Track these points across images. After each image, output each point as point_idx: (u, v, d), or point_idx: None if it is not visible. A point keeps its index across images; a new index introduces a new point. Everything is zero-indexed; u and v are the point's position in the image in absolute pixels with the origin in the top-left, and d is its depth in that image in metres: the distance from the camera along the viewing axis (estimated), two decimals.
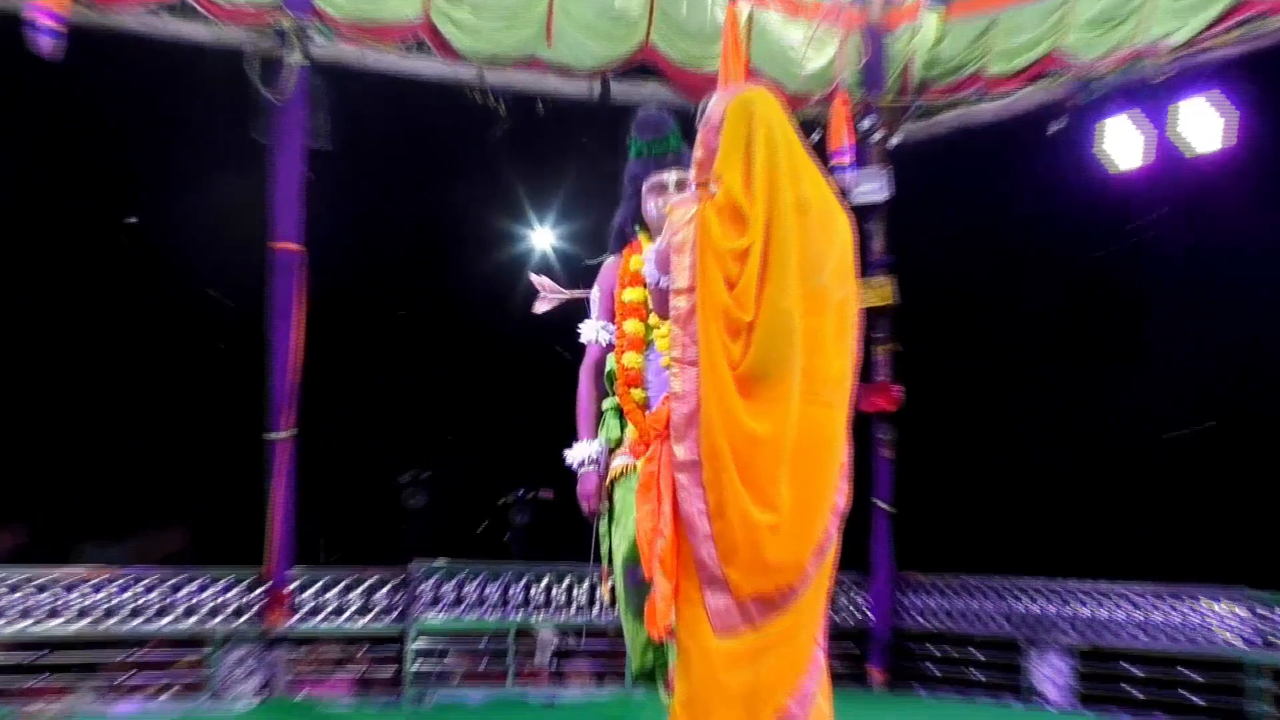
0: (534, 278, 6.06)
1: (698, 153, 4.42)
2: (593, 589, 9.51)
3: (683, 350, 4.23)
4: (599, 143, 10.03)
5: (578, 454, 5.15)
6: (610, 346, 5.24)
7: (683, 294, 4.24)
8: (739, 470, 4.17)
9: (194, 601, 8.71)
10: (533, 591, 9.55)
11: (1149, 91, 8.76)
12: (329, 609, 9.07)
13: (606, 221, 5.45)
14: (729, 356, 4.19)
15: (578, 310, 5.51)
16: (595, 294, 5.36)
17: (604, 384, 5.26)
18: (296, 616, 8.95)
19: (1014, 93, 9.52)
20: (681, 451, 4.21)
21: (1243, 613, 8.46)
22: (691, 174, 4.48)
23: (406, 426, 11.43)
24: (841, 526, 4.37)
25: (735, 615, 4.19)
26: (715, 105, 4.42)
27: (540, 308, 6.00)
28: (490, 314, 11.30)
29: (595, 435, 5.22)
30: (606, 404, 5.28)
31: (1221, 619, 8.56)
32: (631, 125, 5.34)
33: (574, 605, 9.58)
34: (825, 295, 4.31)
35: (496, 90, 9.39)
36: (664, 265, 4.38)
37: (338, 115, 8.99)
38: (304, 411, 8.81)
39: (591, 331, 5.28)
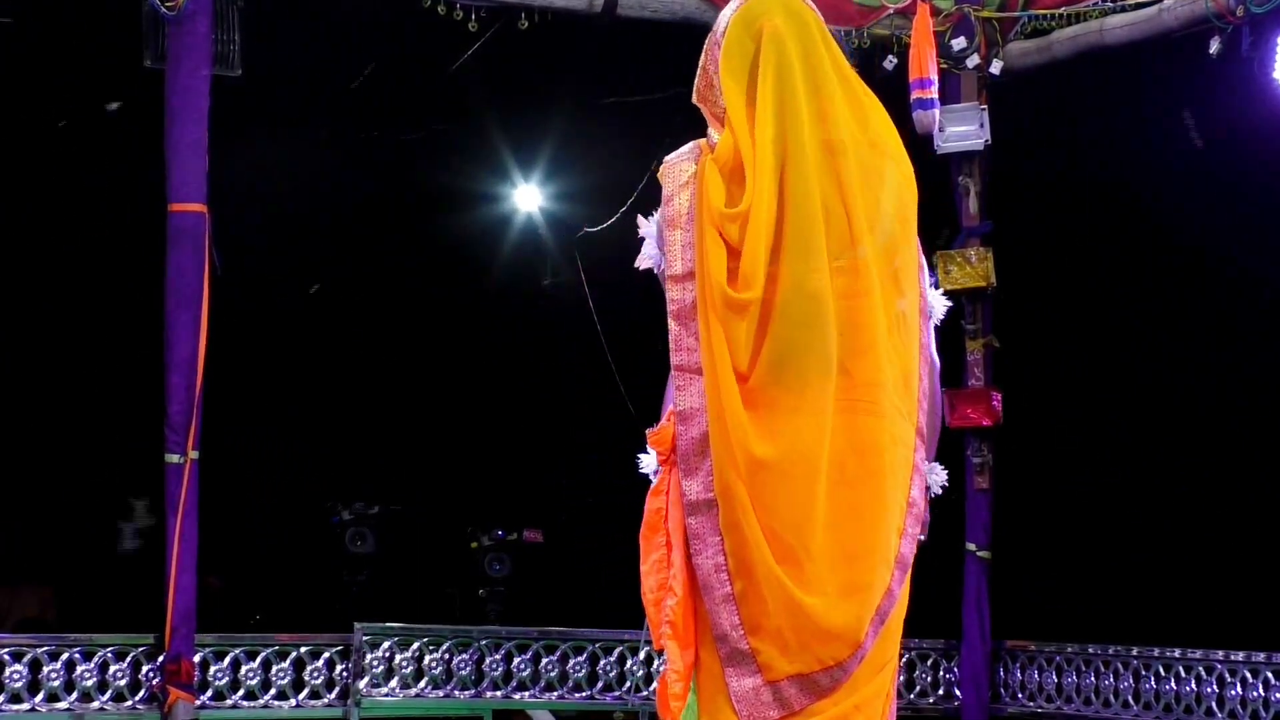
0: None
1: (698, 83, 4.47)
2: (594, 660, 9.51)
3: (686, 355, 4.31)
4: (603, 70, 9.91)
5: (653, 460, 5.13)
6: None
7: (680, 281, 4.34)
8: (756, 509, 4.20)
9: (66, 680, 8.60)
10: (515, 664, 9.47)
11: None
12: (248, 686, 9.00)
13: (612, 175, 5.41)
14: (734, 358, 4.25)
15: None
16: None
17: None
18: (205, 697, 8.85)
19: (1157, 0, 9.36)
20: (694, 489, 4.28)
21: None
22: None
23: (345, 447, 11.42)
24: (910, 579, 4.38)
25: (767, 702, 4.21)
26: (720, 18, 4.44)
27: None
28: (458, 300, 11.25)
29: None
30: None
31: None
32: None
33: (570, 682, 9.52)
34: (868, 269, 4.32)
35: None
36: (660, 242, 4.46)
37: (252, 33, 8.93)
38: (210, 428, 8.75)
39: None
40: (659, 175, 4.47)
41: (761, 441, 4.20)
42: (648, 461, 5.16)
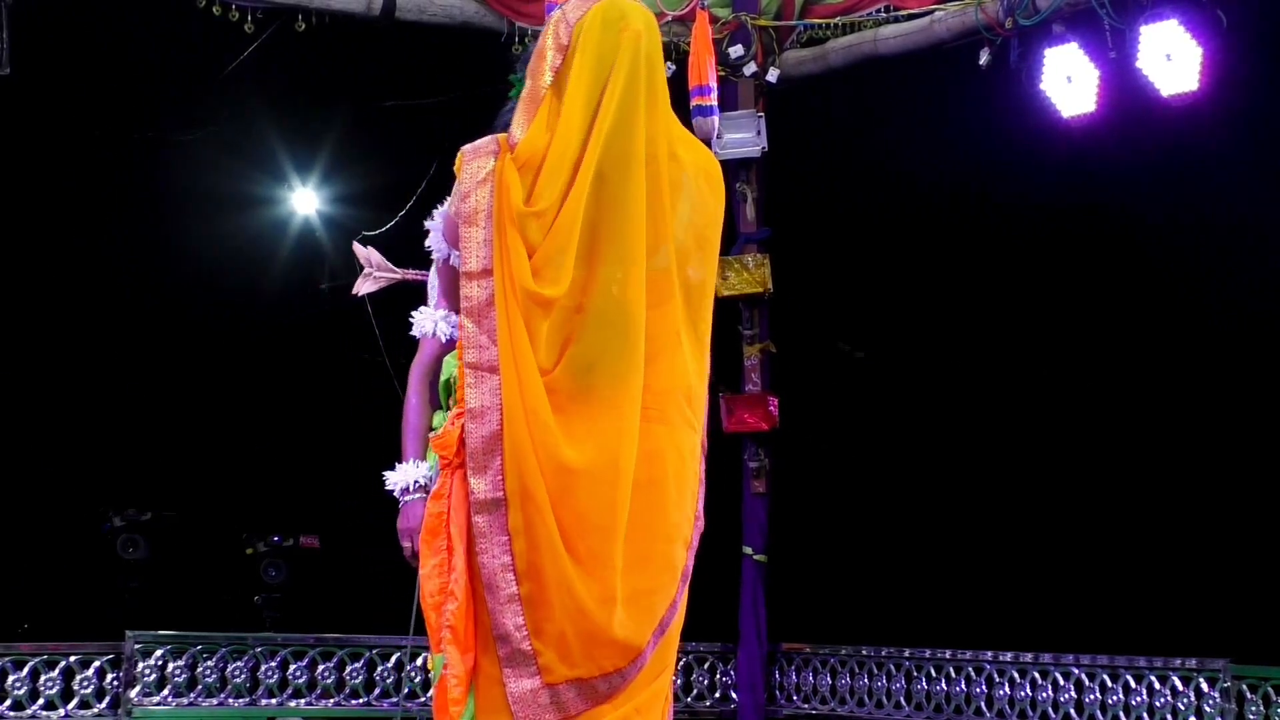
0: (360, 249, 6.21)
1: (533, 58, 4.37)
2: (371, 666, 9.49)
3: (479, 352, 4.26)
4: (383, 73, 9.87)
5: (402, 477, 5.14)
6: (452, 343, 5.18)
7: (476, 279, 4.28)
8: (556, 513, 4.17)
9: None
10: (291, 671, 9.45)
11: (1108, 11, 8.73)
12: (14, 698, 8.89)
13: (392, 178, 5.39)
14: (538, 357, 4.22)
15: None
16: (435, 275, 5.32)
17: (438, 393, 5.22)
18: None
19: (929, 11, 9.49)
20: (481, 487, 4.21)
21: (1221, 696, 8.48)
22: (517, 110, 4.44)
23: (117, 453, 11.23)
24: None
25: (544, 704, 4.20)
26: (572, 9, 4.38)
27: (364, 288, 6.19)
28: (234, 304, 11.12)
29: (425, 455, 5.20)
30: (440, 419, 5.20)
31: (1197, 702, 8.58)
32: (519, 60, 5.41)
33: (347, 689, 9.50)
34: (669, 279, 4.34)
35: None
36: (452, 237, 4.40)
37: (22, 31, 8.75)
38: None
39: (428, 322, 5.22)
40: (455, 167, 4.40)
41: (570, 445, 4.17)
42: (394, 479, 5.13)
